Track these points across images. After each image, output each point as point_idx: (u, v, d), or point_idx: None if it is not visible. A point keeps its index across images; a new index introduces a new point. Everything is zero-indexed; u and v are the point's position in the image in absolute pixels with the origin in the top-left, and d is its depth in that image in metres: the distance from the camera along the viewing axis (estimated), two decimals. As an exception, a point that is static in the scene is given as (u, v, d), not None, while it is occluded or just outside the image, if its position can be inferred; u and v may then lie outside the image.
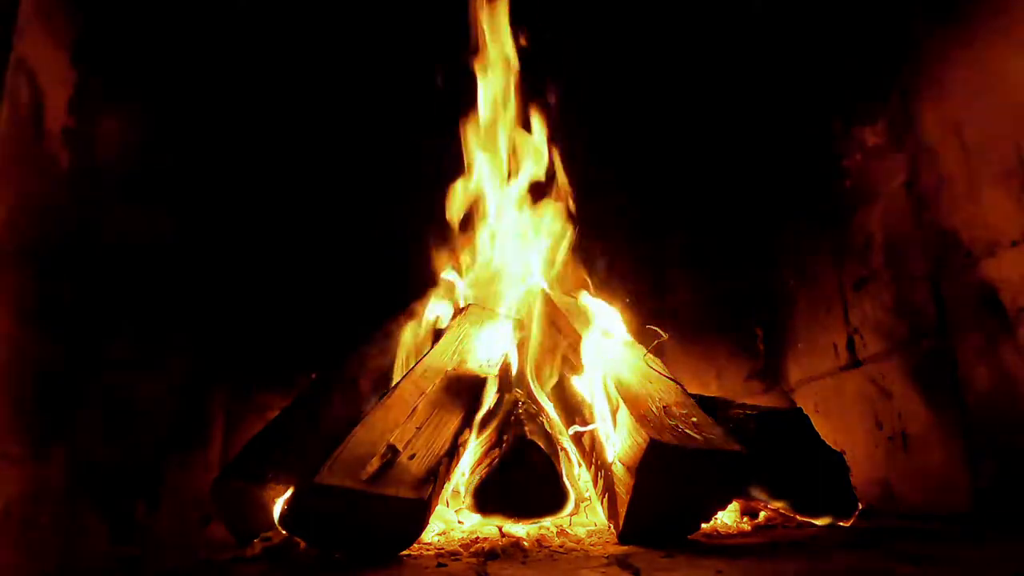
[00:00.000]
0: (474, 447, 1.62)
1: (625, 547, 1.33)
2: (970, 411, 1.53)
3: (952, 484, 1.58)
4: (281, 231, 2.41)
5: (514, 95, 2.31)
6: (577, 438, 1.65)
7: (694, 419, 1.44)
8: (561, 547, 1.38)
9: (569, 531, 1.52)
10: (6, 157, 1.13)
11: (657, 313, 1.91)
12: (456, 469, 1.57)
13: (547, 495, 1.45)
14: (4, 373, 1.13)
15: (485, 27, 2.27)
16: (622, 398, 1.47)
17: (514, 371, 1.95)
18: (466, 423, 1.56)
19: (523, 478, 1.44)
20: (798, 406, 2.11)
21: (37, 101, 1.21)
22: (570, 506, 1.48)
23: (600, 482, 1.49)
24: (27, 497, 1.18)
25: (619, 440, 1.42)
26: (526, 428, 1.53)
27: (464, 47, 2.30)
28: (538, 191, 2.30)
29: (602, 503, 1.49)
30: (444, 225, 2.29)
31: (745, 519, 1.68)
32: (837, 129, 2.03)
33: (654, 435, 1.31)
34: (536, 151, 2.29)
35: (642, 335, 1.84)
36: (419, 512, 1.27)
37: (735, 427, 1.49)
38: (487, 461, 1.53)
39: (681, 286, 2.51)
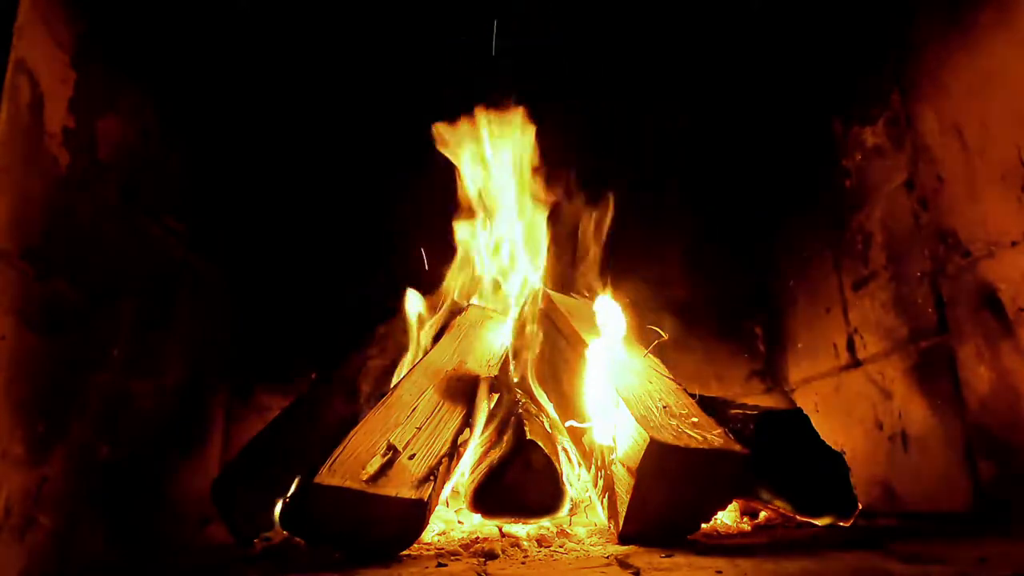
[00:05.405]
0: (474, 447, 1.62)
1: (625, 547, 1.33)
2: (970, 411, 1.53)
3: (952, 484, 1.58)
4: (283, 230, 2.41)
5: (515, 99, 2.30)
6: (577, 438, 1.65)
7: (694, 419, 1.44)
8: (561, 547, 1.38)
9: (569, 531, 1.52)
10: (7, 157, 1.13)
11: (657, 313, 1.91)
12: (456, 469, 1.57)
13: (547, 495, 1.45)
14: (5, 374, 1.13)
15: None
16: (622, 398, 1.47)
17: (514, 371, 1.95)
18: (466, 423, 1.56)
19: (523, 478, 1.44)
20: (798, 406, 2.11)
21: (37, 101, 1.21)
22: (570, 506, 1.47)
23: (600, 482, 1.49)
24: (27, 497, 1.19)
25: (619, 440, 1.42)
26: (526, 428, 1.53)
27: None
28: (540, 193, 2.30)
29: (602, 503, 1.49)
30: (445, 225, 2.29)
31: (745, 519, 1.68)
32: (837, 129, 2.03)
33: (654, 435, 1.31)
34: (537, 152, 2.29)
35: (642, 335, 1.84)
36: (419, 512, 1.27)
37: (735, 427, 1.49)
38: (487, 461, 1.53)
39: (681, 286, 2.51)
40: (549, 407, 1.85)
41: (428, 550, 1.39)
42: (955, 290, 1.57)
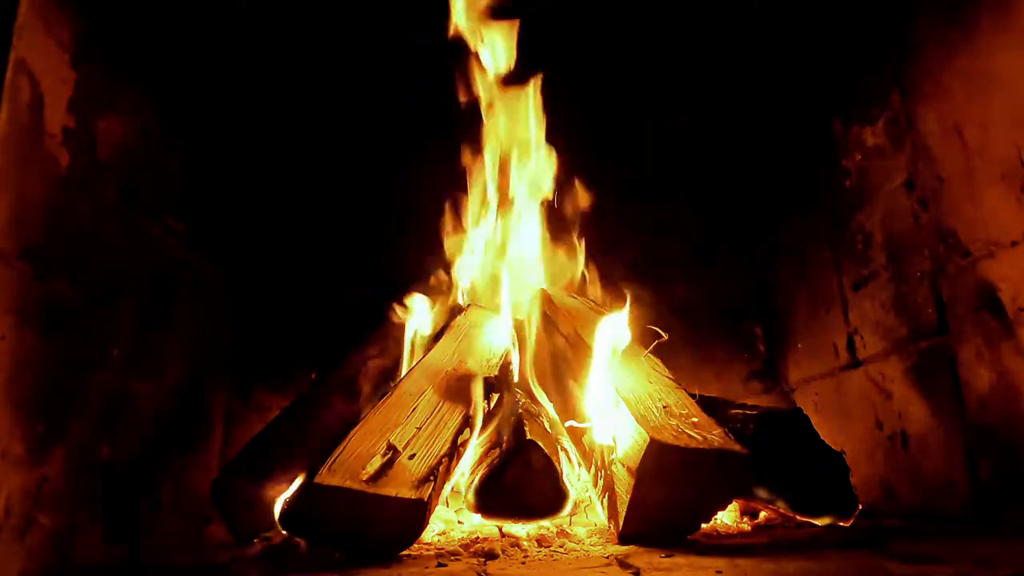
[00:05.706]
0: (474, 447, 1.62)
1: (625, 547, 1.33)
2: (970, 411, 1.53)
3: (952, 484, 1.59)
4: (282, 230, 2.41)
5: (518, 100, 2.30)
6: (577, 438, 1.65)
7: (694, 419, 1.44)
8: (561, 547, 1.38)
9: (569, 531, 1.52)
10: (7, 157, 1.13)
11: (657, 313, 1.90)
12: (456, 469, 1.57)
13: (547, 495, 1.45)
14: (5, 374, 1.13)
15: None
16: (622, 398, 1.47)
17: (514, 371, 1.95)
18: (466, 423, 1.56)
19: (523, 478, 1.44)
20: (798, 406, 2.11)
21: (37, 101, 1.21)
22: (570, 506, 1.47)
23: (600, 482, 1.49)
24: (27, 497, 1.19)
25: (619, 440, 1.42)
26: (526, 428, 1.53)
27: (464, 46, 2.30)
28: (539, 190, 2.30)
29: (602, 503, 1.49)
30: (444, 224, 2.29)
31: (745, 519, 1.68)
32: (837, 129, 2.03)
33: (654, 435, 1.31)
34: (537, 153, 2.29)
35: (642, 335, 1.84)
36: (419, 512, 1.27)
37: (735, 427, 1.49)
38: (487, 461, 1.53)
39: (681, 286, 2.51)
40: (549, 407, 1.85)
41: (428, 550, 1.39)
42: (955, 290, 1.57)
